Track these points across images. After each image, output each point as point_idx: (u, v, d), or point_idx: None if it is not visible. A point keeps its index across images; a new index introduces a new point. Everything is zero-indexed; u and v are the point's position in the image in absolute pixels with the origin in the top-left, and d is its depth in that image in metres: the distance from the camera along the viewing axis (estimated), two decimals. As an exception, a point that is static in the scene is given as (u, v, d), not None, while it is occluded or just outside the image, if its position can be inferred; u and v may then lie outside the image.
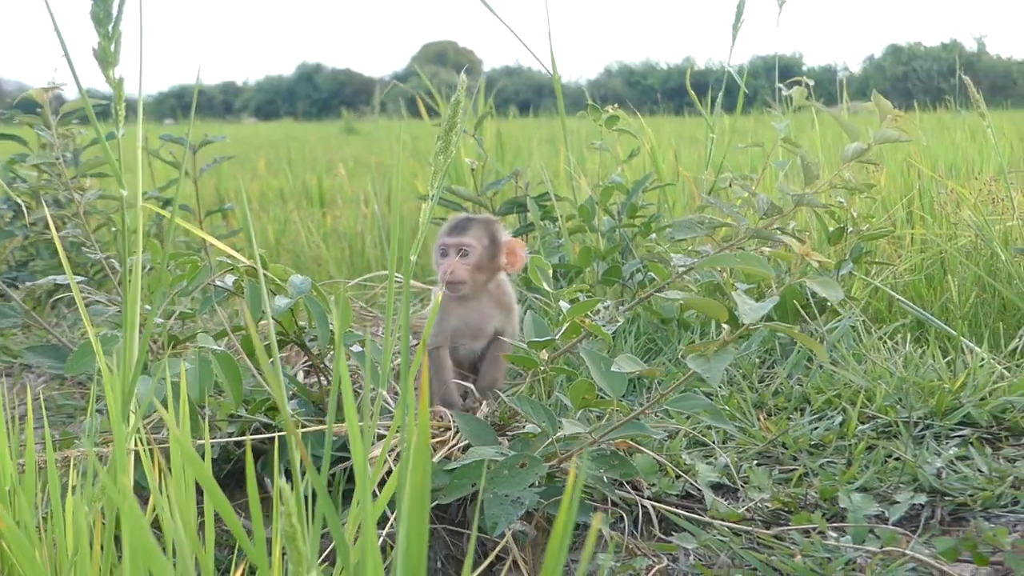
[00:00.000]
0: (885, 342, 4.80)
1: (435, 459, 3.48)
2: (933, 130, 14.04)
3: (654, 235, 5.35)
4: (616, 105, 6.06)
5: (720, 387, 4.37)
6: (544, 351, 3.68)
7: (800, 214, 6.26)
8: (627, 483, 3.57)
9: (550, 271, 4.29)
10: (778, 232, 3.85)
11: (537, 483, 3.34)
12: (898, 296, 5.41)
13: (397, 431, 2.50)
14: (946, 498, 3.58)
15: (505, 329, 3.92)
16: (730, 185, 4.60)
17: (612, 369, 3.19)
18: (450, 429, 3.63)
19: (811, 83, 4.82)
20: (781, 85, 5.11)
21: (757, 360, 4.69)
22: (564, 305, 3.86)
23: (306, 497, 2.29)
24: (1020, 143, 10.23)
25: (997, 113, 19.54)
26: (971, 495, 3.57)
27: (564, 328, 3.76)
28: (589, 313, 3.87)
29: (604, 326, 3.97)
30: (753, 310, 2.92)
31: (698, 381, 4.30)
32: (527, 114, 17.07)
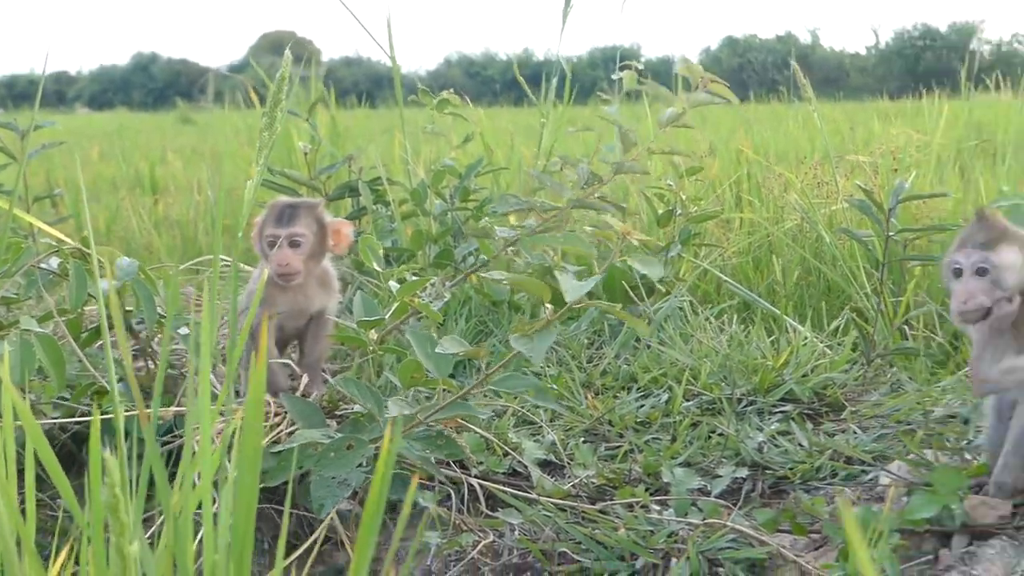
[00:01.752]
0: (712, 322, 4.88)
1: (263, 443, 3.47)
2: (767, 120, 14.27)
3: (487, 219, 5.37)
4: (451, 90, 6.06)
5: (549, 367, 4.41)
6: (373, 331, 3.68)
7: (632, 199, 6.33)
8: (455, 462, 3.59)
9: (380, 251, 4.30)
10: (598, 200, 3.89)
11: (365, 464, 3.34)
12: (725, 278, 5.51)
13: (221, 413, 2.50)
14: (767, 471, 3.67)
15: (327, 307, 3.91)
16: (561, 168, 4.64)
17: (436, 350, 3.21)
18: (278, 414, 3.61)
19: (641, 66, 4.87)
20: (621, 73, 5.16)
21: (586, 341, 4.75)
22: (393, 285, 3.86)
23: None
24: (851, 132, 10.43)
25: (830, 104, 19.91)
26: (791, 468, 3.66)
27: (393, 308, 3.76)
28: (419, 292, 3.88)
29: (432, 303, 3.98)
30: (575, 288, 2.96)
31: (526, 361, 4.34)
32: (367, 104, 17.00)
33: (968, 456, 3.58)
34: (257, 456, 1.81)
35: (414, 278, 3.89)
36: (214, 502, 2.14)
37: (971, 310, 3.11)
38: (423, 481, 3.46)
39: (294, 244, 3.74)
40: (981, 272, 3.12)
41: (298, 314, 3.90)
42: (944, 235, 4.72)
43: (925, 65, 55.26)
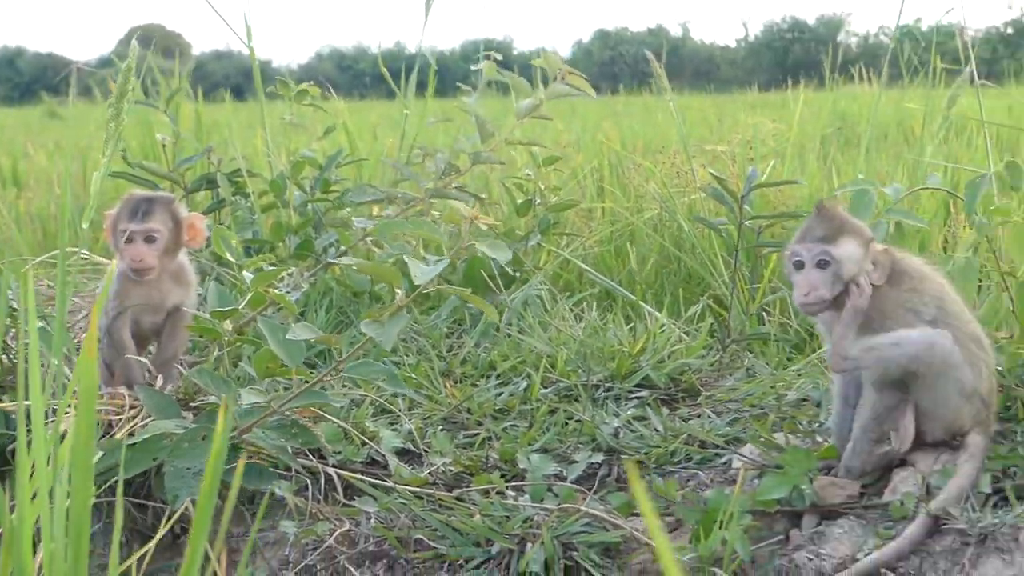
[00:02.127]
0: (572, 310, 4.91)
1: (117, 435, 3.45)
2: (638, 112, 14.38)
3: (348, 209, 5.36)
4: (312, 82, 6.05)
5: (408, 356, 4.42)
6: (228, 322, 3.66)
7: (494, 189, 6.36)
8: (312, 452, 3.59)
9: (233, 241, 4.28)
10: (457, 191, 3.91)
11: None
12: (585, 266, 5.55)
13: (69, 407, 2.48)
14: (623, 456, 3.71)
15: (183, 302, 3.88)
16: (423, 159, 4.65)
17: (288, 337, 3.20)
18: (134, 407, 3.59)
19: (500, 57, 4.88)
20: (481, 64, 5.16)
21: (445, 330, 4.76)
22: (247, 275, 3.84)
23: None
24: (719, 123, 10.55)
25: (700, 96, 20.10)
26: (646, 453, 3.70)
27: (248, 298, 3.74)
28: (276, 283, 3.87)
29: (290, 294, 3.97)
30: (424, 272, 2.97)
31: (387, 352, 4.35)
32: (237, 98, 16.85)
33: (819, 438, 3.65)
34: (89, 447, 1.80)
35: (271, 269, 3.88)
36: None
37: (812, 302, 3.20)
38: (280, 471, 3.46)
39: (149, 240, 3.71)
40: (822, 265, 3.19)
41: (153, 309, 3.87)
42: (797, 222, 4.80)
43: (794, 58, 55.96)
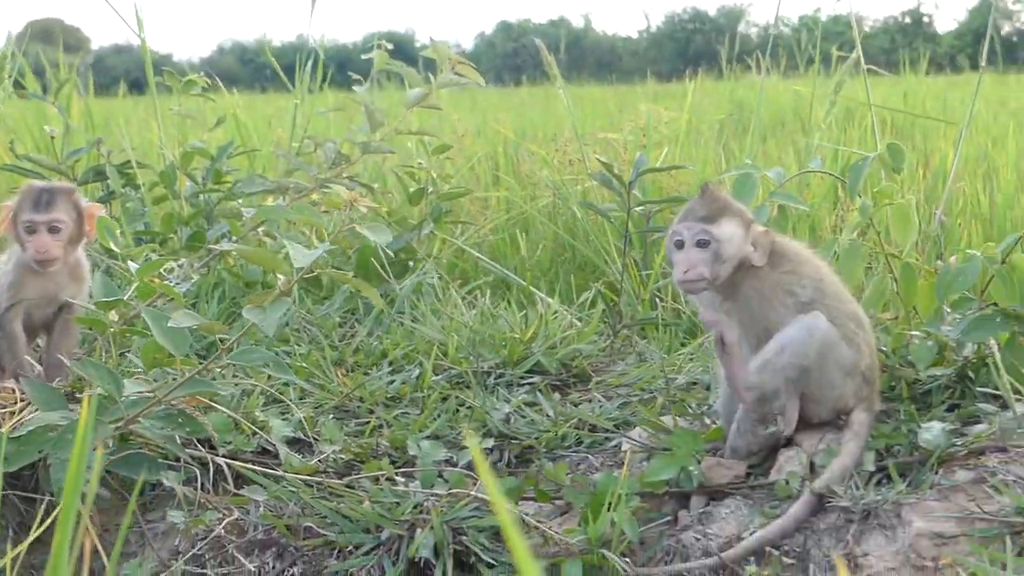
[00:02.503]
0: (465, 298, 4.92)
1: (3, 429, 3.41)
2: (540, 102, 14.42)
3: (240, 200, 5.33)
4: (202, 73, 6.01)
5: (300, 346, 4.40)
6: (114, 312, 3.64)
7: (388, 179, 6.35)
8: (202, 442, 3.57)
9: (119, 231, 4.25)
10: (348, 180, 3.91)
11: (110, 445, 3.31)
12: (478, 254, 5.56)
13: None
14: (513, 441, 3.73)
15: (76, 296, 3.84)
16: (315, 150, 4.64)
17: (171, 325, 3.18)
18: (24, 399, 3.57)
19: (391, 46, 4.88)
20: (371, 54, 5.15)
21: (338, 319, 4.74)
22: (133, 265, 3.81)
23: None
24: (619, 113, 10.60)
25: (602, 87, 20.16)
26: (537, 438, 3.72)
27: (134, 288, 3.71)
28: (163, 273, 3.84)
29: (179, 285, 3.95)
30: (304, 256, 2.97)
31: (280, 340, 4.34)
32: (137, 92, 16.71)
33: (708, 421, 3.68)
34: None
35: (157, 258, 3.85)
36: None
37: (691, 279, 3.22)
38: (170, 462, 3.44)
39: (53, 230, 3.67)
40: (702, 244, 3.23)
41: (47, 302, 3.84)
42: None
43: (695, 48, 56.29)
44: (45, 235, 3.66)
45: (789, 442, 3.40)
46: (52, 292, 3.81)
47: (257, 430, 3.67)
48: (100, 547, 3.29)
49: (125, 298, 3.68)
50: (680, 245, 3.27)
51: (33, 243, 3.66)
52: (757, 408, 3.32)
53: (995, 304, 3.63)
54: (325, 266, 3.27)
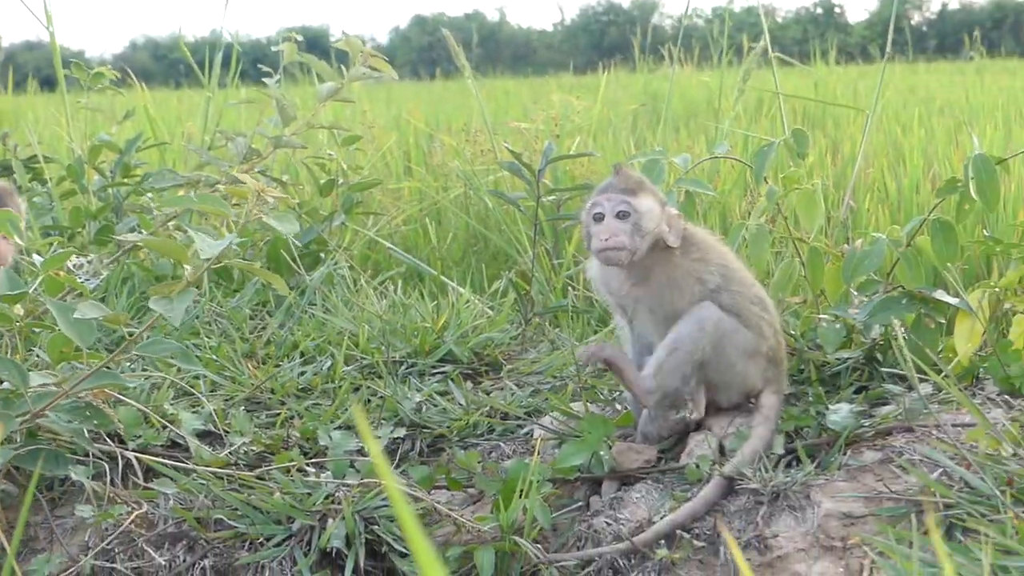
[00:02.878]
0: (377, 289, 4.91)
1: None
2: (453, 96, 14.44)
3: (150, 195, 5.29)
4: (108, 66, 5.95)
5: (210, 338, 4.37)
6: (20, 306, 3.59)
7: (300, 172, 6.33)
8: (112, 437, 3.54)
9: (21, 222, 4.19)
10: (260, 174, 3.89)
11: (17, 440, 3.28)
12: (390, 245, 5.56)
13: None
14: (425, 430, 3.72)
15: None
16: (226, 144, 4.61)
17: (75, 315, 3.14)
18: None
19: (300, 39, 4.86)
20: (281, 45, 5.12)
21: (249, 312, 4.72)
22: (37, 259, 3.77)
23: None
24: (534, 104, 10.63)
25: (517, 79, 20.21)
26: (448, 426, 3.72)
27: (40, 281, 3.67)
28: (72, 268, 3.80)
29: (87, 280, 3.91)
30: (212, 246, 2.95)
31: (190, 333, 4.31)
32: (50, 89, 16.58)
33: (619, 407, 3.70)
34: None
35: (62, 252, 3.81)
36: None
37: (612, 247, 3.22)
38: (79, 457, 3.41)
39: None
40: (622, 215, 3.24)
41: None
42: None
43: (610, 40, 56.37)
44: None
45: (699, 426, 3.43)
46: None
47: (167, 423, 3.64)
48: (5, 543, 3.26)
49: (31, 292, 3.64)
50: (599, 217, 3.27)
51: None
52: (662, 405, 3.34)
53: (901, 286, 3.68)
54: (233, 256, 3.25)
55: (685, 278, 3.32)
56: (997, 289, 3.69)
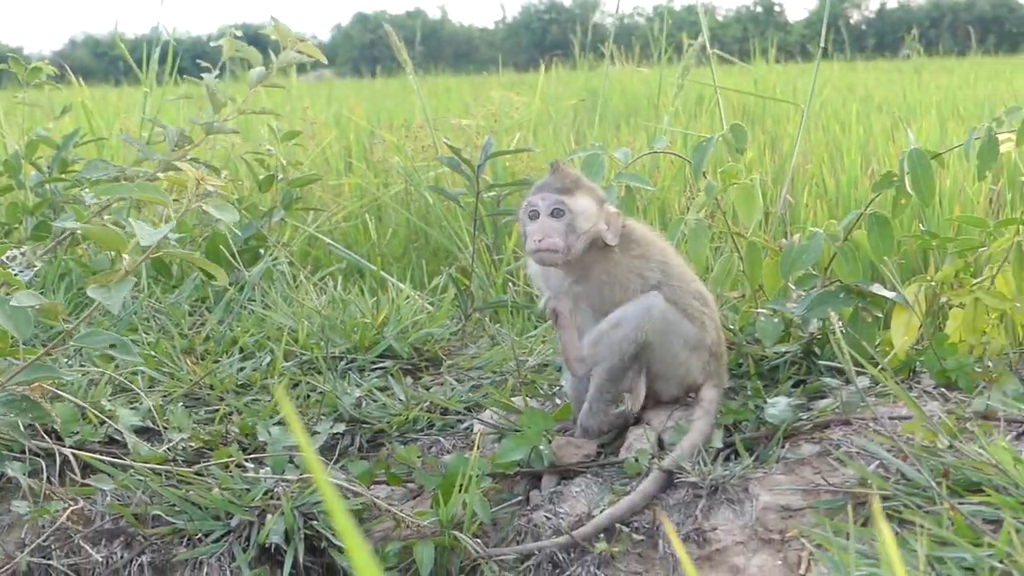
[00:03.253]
0: (317, 285, 4.90)
1: None
2: (395, 93, 14.42)
3: (86, 188, 5.25)
4: (47, 61, 5.91)
5: (148, 334, 4.35)
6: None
7: (240, 167, 6.30)
8: (49, 433, 3.52)
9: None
10: (193, 162, 3.87)
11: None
12: (330, 240, 5.54)
13: None
14: (364, 426, 3.72)
15: None
16: (164, 140, 4.59)
17: (12, 304, 3.11)
18: None
19: (239, 34, 4.84)
20: (220, 40, 5.10)
21: (188, 308, 4.69)
22: (-30, 253, 3.75)
23: None
24: (474, 101, 10.63)
25: (459, 77, 20.22)
26: (388, 421, 3.72)
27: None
28: (5, 260, 3.77)
29: (21, 274, 3.88)
30: (150, 234, 2.93)
31: (128, 329, 4.28)
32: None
33: (559, 401, 3.71)
34: None
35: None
36: None
37: (545, 248, 3.22)
38: (15, 454, 3.38)
39: None
40: (557, 214, 3.24)
41: None
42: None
43: (551, 38, 56.47)
44: None
45: (639, 420, 3.44)
46: None
47: (105, 419, 3.62)
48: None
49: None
50: (534, 216, 3.27)
51: None
52: (608, 387, 3.35)
53: (838, 280, 3.70)
54: (168, 246, 3.23)
55: (626, 275, 3.32)
56: (933, 283, 3.73)
